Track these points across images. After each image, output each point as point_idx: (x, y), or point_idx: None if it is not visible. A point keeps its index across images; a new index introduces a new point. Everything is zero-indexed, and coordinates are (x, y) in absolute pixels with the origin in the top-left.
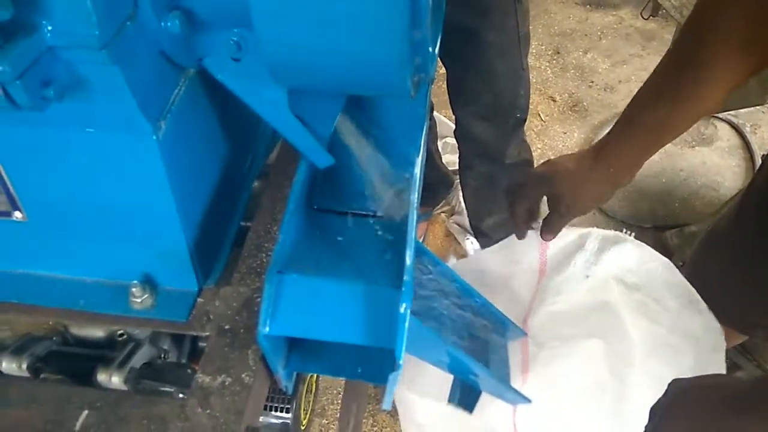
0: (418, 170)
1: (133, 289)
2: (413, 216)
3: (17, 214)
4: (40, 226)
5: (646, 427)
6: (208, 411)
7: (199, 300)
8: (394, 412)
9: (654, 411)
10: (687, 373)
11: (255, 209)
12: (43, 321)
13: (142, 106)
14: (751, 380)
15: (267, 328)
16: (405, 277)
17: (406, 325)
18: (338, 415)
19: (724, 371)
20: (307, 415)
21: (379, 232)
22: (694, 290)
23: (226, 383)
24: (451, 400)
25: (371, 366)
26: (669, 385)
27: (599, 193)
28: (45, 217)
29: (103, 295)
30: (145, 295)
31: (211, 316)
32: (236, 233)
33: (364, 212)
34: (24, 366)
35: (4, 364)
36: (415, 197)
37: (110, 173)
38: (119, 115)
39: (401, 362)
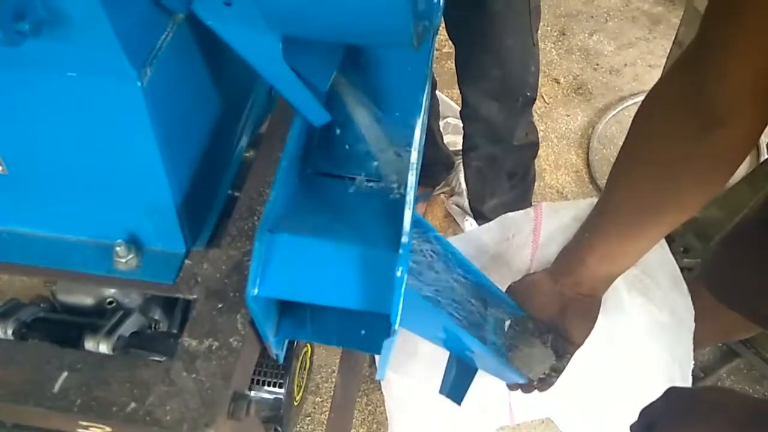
0: (418, 131)
1: (118, 249)
2: (413, 178)
3: None
4: (21, 179)
5: (632, 426)
6: (193, 375)
7: (187, 262)
8: None
9: (648, 414)
10: (670, 353)
11: (246, 179)
12: (24, 279)
13: (126, 48)
14: None
15: (256, 290)
16: (403, 239)
17: (403, 289)
18: (332, 393)
19: (691, 353)
20: (301, 392)
21: (377, 196)
22: (679, 271)
23: (213, 347)
24: (441, 392)
25: (365, 334)
26: (667, 391)
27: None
28: (25, 169)
29: (86, 254)
30: (130, 256)
31: (199, 278)
32: (225, 201)
33: (361, 176)
34: (9, 331)
35: None
36: (415, 159)
37: (92, 122)
38: (102, 57)
39: (396, 327)
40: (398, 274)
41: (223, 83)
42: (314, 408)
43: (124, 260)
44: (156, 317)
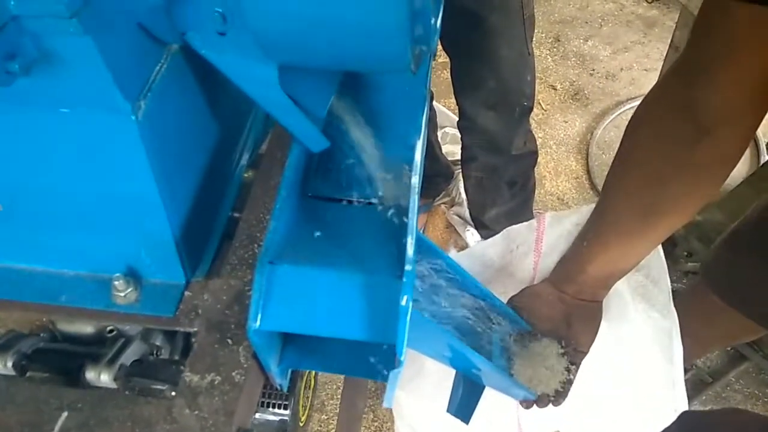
0: (418, 154)
1: (116, 283)
2: (414, 202)
3: None
4: (16, 215)
5: None
6: (196, 412)
7: (187, 293)
8: None
9: None
10: (669, 359)
11: (246, 200)
12: (22, 317)
13: (119, 82)
14: None
15: (257, 323)
16: (406, 267)
17: (408, 318)
18: (338, 410)
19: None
20: (306, 411)
21: (378, 220)
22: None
23: (216, 382)
24: (449, 410)
25: (371, 362)
26: (681, 416)
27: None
28: (21, 205)
29: (85, 289)
30: (129, 289)
31: (199, 310)
32: (226, 225)
33: (361, 199)
34: (9, 364)
35: None
36: (416, 182)
37: (87, 157)
38: (94, 92)
39: (403, 358)
40: (403, 303)
41: (220, 109)
42: (320, 426)
43: (122, 294)
44: (158, 344)
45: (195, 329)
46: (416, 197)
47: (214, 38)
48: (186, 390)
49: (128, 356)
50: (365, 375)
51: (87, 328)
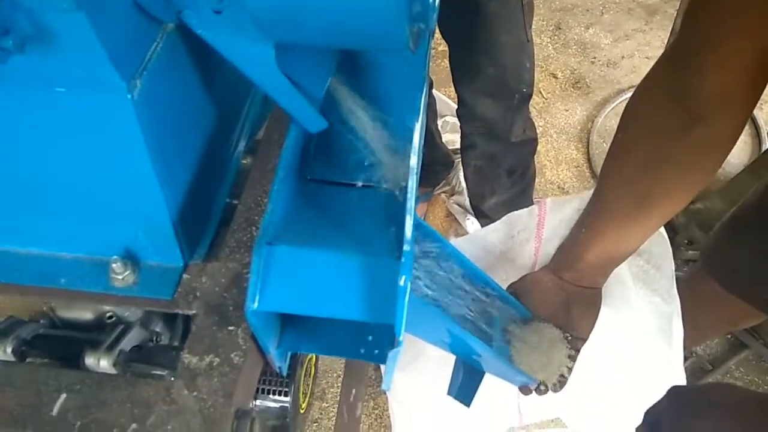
0: (417, 136)
1: (114, 265)
2: (413, 183)
3: None
4: (12, 197)
5: (637, 428)
6: (195, 393)
7: (185, 276)
8: None
9: (652, 415)
10: (669, 344)
11: (244, 186)
12: (21, 302)
13: (114, 60)
14: None
15: (255, 304)
16: (405, 247)
17: (407, 298)
18: (338, 398)
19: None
20: (307, 399)
21: (377, 202)
22: (672, 258)
23: (214, 364)
24: (450, 393)
25: (370, 344)
26: (670, 390)
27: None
28: (17, 187)
29: (83, 272)
30: (127, 272)
31: (197, 293)
32: (223, 210)
33: (360, 182)
34: (9, 350)
35: None
36: (414, 163)
37: (83, 137)
38: (89, 71)
39: (401, 338)
40: (401, 283)
41: (217, 90)
42: (321, 414)
43: (120, 277)
44: (157, 330)
45: (193, 312)
46: (414, 178)
47: (210, 17)
48: (185, 371)
49: (128, 342)
50: (364, 357)
51: (86, 314)
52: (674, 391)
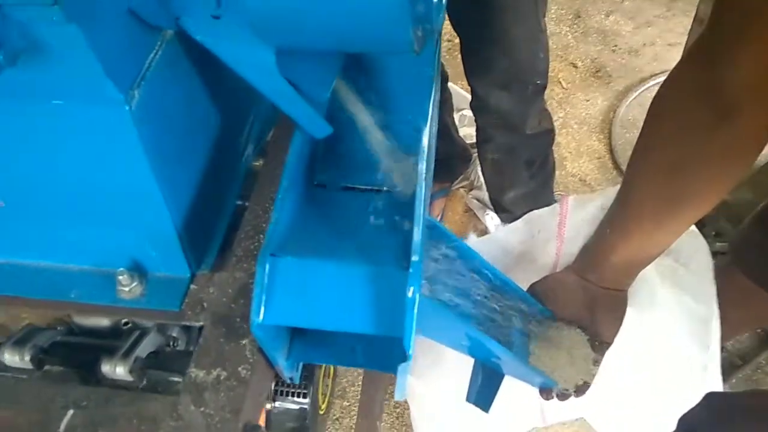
0: (426, 138)
1: (120, 278)
2: (422, 189)
3: None
4: (19, 210)
5: None
6: (202, 408)
7: (193, 287)
8: None
9: (687, 422)
10: (701, 344)
11: (254, 187)
12: (26, 313)
13: (109, 72)
14: None
15: (260, 318)
16: (413, 257)
17: (415, 310)
18: (359, 396)
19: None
20: (326, 399)
21: (387, 208)
22: (710, 256)
23: (221, 378)
24: (468, 399)
25: (381, 354)
26: (706, 396)
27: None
28: (23, 200)
29: (91, 284)
30: (134, 284)
31: (205, 304)
32: (233, 214)
33: (368, 187)
34: (27, 358)
35: (6, 356)
36: (423, 168)
37: (84, 149)
38: (85, 83)
39: (411, 352)
40: (409, 294)
41: (222, 95)
42: (342, 412)
43: (127, 289)
44: (174, 335)
45: (201, 323)
46: (423, 184)
47: (208, 22)
48: (191, 386)
49: (143, 348)
50: (375, 367)
51: (103, 321)
52: (710, 398)
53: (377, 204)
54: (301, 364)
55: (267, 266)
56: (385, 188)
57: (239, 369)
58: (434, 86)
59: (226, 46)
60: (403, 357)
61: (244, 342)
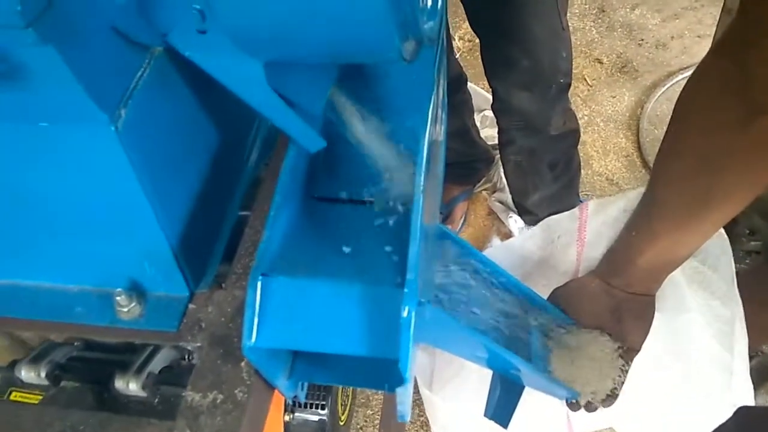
0: (425, 148)
1: (118, 298)
2: (419, 202)
3: None
4: (16, 231)
5: None
6: None
7: (191, 306)
8: None
9: None
10: (730, 350)
11: (258, 197)
12: (27, 335)
13: (92, 92)
14: None
15: (252, 340)
16: (408, 275)
17: (411, 331)
18: (382, 405)
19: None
20: (347, 410)
21: (386, 222)
22: (732, 259)
23: (218, 401)
24: (486, 414)
25: (384, 374)
26: (738, 411)
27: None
28: (17, 221)
29: (89, 305)
30: (132, 304)
31: (203, 324)
32: (235, 225)
33: (369, 199)
34: (43, 374)
35: (23, 373)
36: (421, 180)
37: (74, 170)
38: (68, 104)
39: (408, 375)
40: (404, 314)
41: (220, 107)
42: (366, 420)
43: (126, 309)
44: (189, 348)
45: (198, 344)
46: (421, 197)
47: (195, 38)
48: (187, 410)
49: (157, 363)
50: (379, 387)
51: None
52: (742, 413)
53: (377, 216)
54: (306, 384)
55: (258, 287)
56: (386, 200)
57: (236, 392)
58: (435, 92)
59: (213, 61)
60: (400, 380)
61: (241, 363)
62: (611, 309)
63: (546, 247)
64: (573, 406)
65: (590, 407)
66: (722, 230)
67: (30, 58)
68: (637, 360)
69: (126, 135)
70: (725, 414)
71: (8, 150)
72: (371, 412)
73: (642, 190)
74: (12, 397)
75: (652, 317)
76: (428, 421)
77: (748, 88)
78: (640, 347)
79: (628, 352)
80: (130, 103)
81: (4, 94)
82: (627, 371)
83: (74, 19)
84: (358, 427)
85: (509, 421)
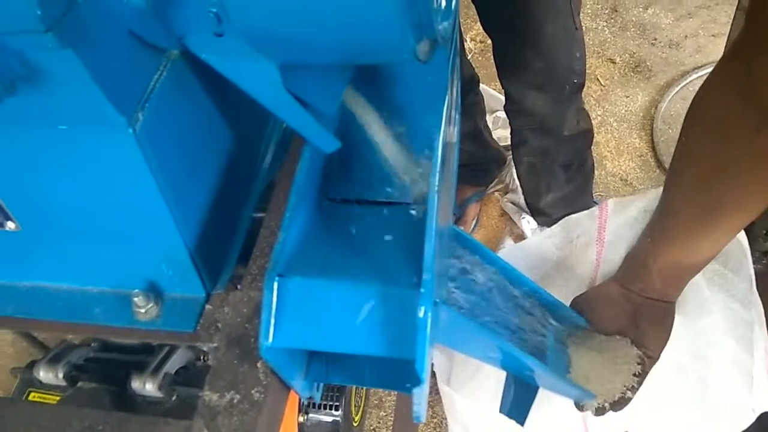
0: (439, 148)
1: (136, 299)
2: (434, 203)
3: (10, 225)
4: (35, 233)
5: None
6: None
7: (208, 307)
8: None
9: None
10: (751, 353)
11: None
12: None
13: (110, 95)
14: None
15: (269, 340)
16: (425, 276)
17: (428, 331)
18: (395, 406)
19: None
20: (360, 411)
21: (401, 221)
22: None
23: (235, 401)
24: (502, 410)
25: (400, 374)
26: (761, 417)
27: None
28: (38, 224)
29: (107, 305)
30: (150, 305)
31: (219, 324)
32: (251, 227)
33: (383, 200)
34: (60, 375)
35: (41, 374)
36: (436, 180)
37: (92, 173)
38: (87, 107)
39: (424, 376)
40: (420, 314)
41: (235, 108)
42: (379, 422)
43: (143, 310)
44: (204, 348)
45: (215, 345)
46: (436, 198)
47: (212, 40)
48: (204, 410)
49: (173, 364)
50: (395, 388)
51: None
52: (764, 420)
53: (392, 218)
54: (322, 384)
55: (275, 287)
56: (402, 200)
57: (252, 392)
58: (449, 93)
59: (229, 64)
60: (417, 381)
61: (258, 364)
62: (630, 314)
63: (565, 247)
64: (583, 408)
65: (599, 411)
66: (742, 231)
67: (49, 62)
68: (656, 364)
69: (144, 137)
70: (747, 420)
71: (27, 153)
72: (384, 414)
73: (661, 189)
74: (30, 398)
75: (671, 324)
76: (441, 422)
77: (757, 96)
78: (659, 354)
79: (646, 358)
80: (148, 106)
81: (23, 97)
82: (642, 378)
83: (92, 23)
84: (372, 428)
85: (525, 418)
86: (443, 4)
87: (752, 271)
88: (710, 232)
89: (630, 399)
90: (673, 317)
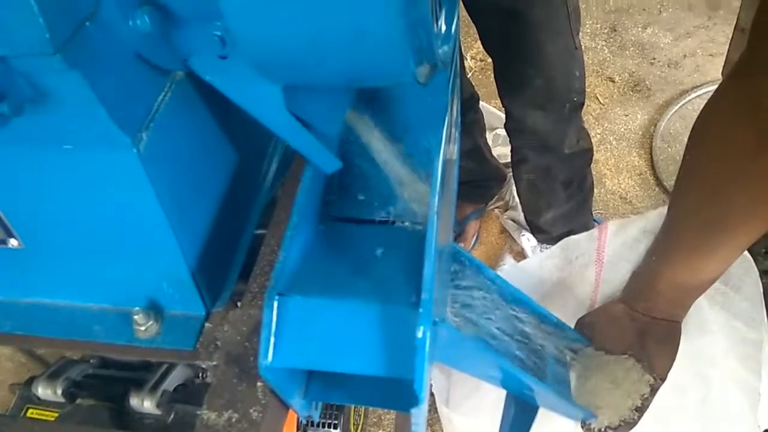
0: (439, 169)
1: (136, 317)
2: (434, 223)
3: (13, 242)
4: (38, 251)
5: None
6: None
7: (207, 325)
8: None
9: None
10: (757, 373)
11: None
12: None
13: (115, 116)
14: None
15: (269, 360)
16: (423, 295)
17: (426, 351)
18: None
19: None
20: (359, 430)
21: (402, 240)
22: (759, 279)
23: (233, 420)
24: (501, 431)
25: (400, 393)
26: None
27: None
28: (41, 242)
29: (107, 323)
30: (150, 322)
31: (218, 343)
32: (252, 244)
33: (384, 219)
34: (59, 391)
35: (39, 390)
36: (435, 200)
37: (97, 192)
38: (92, 128)
39: (423, 396)
40: (419, 334)
41: (238, 128)
42: None
43: (143, 328)
44: (203, 366)
45: (214, 363)
46: (435, 217)
47: (216, 63)
48: (203, 429)
49: (172, 381)
50: (394, 407)
51: None
52: None
53: (392, 237)
54: (320, 403)
55: (275, 306)
56: (402, 220)
57: (251, 411)
58: (449, 113)
59: (233, 85)
60: (416, 400)
61: (257, 383)
62: (635, 334)
63: (564, 268)
64: (587, 428)
65: None
66: (746, 251)
67: (56, 83)
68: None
69: (147, 157)
70: None
71: (32, 172)
72: None
73: (661, 210)
74: (29, 414)
75: (678, 343)
76: None
77: (760, 115)
78: (666, 375)
79: (653, 381)
80: (152, 126)
81: (30, 117)
82: (650, 399)
83: (99, 45)
84: None
85: None
86: (443, 28)
87: (760, 290)
88: (715, 250)
89: (635, 421)
90: (679, 337)
